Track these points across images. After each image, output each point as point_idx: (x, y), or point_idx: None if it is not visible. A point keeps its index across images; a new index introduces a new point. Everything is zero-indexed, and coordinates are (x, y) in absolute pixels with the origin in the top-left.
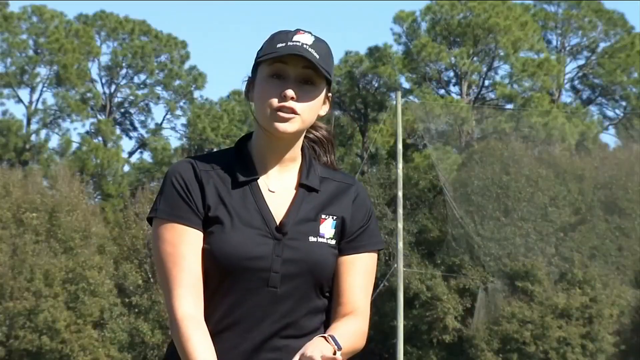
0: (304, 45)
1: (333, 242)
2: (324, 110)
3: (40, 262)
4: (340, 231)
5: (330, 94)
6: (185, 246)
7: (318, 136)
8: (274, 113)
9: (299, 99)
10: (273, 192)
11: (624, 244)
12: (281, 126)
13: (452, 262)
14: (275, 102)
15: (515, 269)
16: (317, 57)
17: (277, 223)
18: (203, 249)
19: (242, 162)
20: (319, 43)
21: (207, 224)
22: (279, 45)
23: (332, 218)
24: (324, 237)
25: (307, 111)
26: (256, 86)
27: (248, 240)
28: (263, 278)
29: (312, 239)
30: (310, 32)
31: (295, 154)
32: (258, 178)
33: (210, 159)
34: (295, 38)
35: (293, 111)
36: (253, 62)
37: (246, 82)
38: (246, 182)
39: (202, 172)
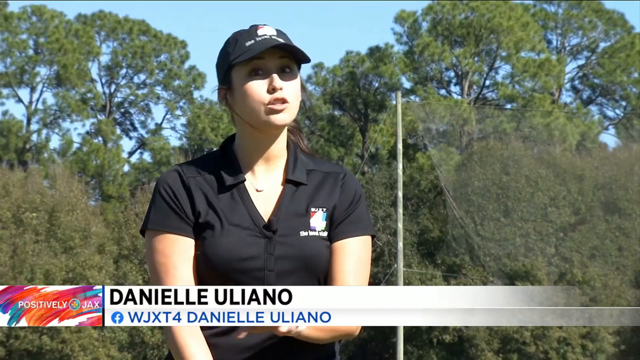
0: (272, 37)
1: (325, 234)
2: (301, 94)
3: (40, 262)
4: (330, 221)
5: (302, 79)
6: (177, 256)
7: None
8: (267, 108)
9: (284, 88)
10: (260, 191)
11: (624, 244)
12: (278, 118)
13: (452, 262)
14: (266, 97)
15: (515, 269)
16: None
17: (265, 221)
18: (197, 255)
19: (227, 164)
20: (281, 32)
21: (199, 230)
22: (248, 43)
23: (322, 210)
24: (315, 230)
25: (295, 97)
26: (237, 90)
27: (239, 242)
28: (258, 277)
29: (303, 233)
30: (267, 25)
31: (280, 150)
32: (245, 180)
33: (196, 165)
34: (261, 32)
35: (284, 101)
36: (220, 70)
37: (219, 92)
38: (233, 185)
39: (189, 178)
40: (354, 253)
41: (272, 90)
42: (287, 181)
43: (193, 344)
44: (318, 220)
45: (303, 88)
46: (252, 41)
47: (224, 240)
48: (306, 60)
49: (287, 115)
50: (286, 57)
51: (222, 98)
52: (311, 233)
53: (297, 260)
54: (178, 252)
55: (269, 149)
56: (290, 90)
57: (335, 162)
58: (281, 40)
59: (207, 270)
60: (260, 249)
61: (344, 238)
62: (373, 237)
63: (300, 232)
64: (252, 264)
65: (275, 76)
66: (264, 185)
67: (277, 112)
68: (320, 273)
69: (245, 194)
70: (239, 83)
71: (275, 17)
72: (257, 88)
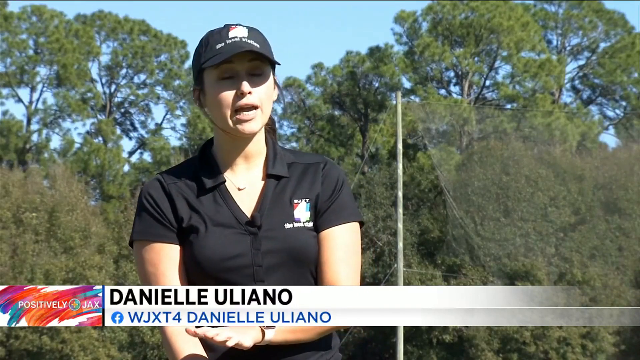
0: (242, 39)
1: (310, 224)
2: (275, 95)
3: (40, 262)
4: (316, 211)
5: (275, 77)
6: (165, 264)
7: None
8: (235, 115)
9: (254, 92)
10: (242, 189)
11: (624, 244)
12: (247, 127)
13: (452, 262)
14: (234, 102)
15: (515, 269)
16: (258, 46)
17: (249, 218)
18: (185, 260)
19: (207, 167)
20: (253, 32)
21: (184, 234)
22: (218, 46)
23: (305, 201)
24: (300, 222)
25: (265, 101)
26: (208, 93)
27: (224, 241)
28: (248, 274)
29: (287, 225)
30: (240, 24)
31: (259, 147)
32: (225, 181)
33: (177, 171)
34: (231, 34)
35: (253, 107)
36: (194, 70)
37: (193, 92)
38: (214, 187)
39: (170, 185)
40: (341, 241)
41: (240, 95)
42: (268, 176)
43: (187, 348)
44: (302, 211)
45: (277, 86)
46: (223, 44)
47: (209, 241)
48: (275, 63)
49: (255, 123)
50: (256, 59)
51: (196, 98)
52: (296, 225)
53: (284, 253)
54: (165, 259)
55: (246, 149)
56: (260, 94)
57: (336, 164)
58: (252, 42)
59: (197, 273)
60: (246, 246)
61: (330, 227)
62: (362, 223)
63: (285, 225)
64: (239, 262)
65: (244, 82)
66: (245, 183)
67: (246, 119)
68: (310, 264)
69: (227, 194)
70: (209, 86)
71: (275, 17)
72: (226, 94)
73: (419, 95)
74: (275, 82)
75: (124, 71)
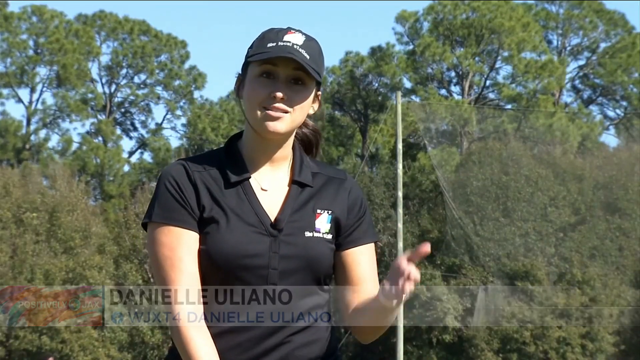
0: (294, 46)
1: (329, 236)
2: (314, 108)
3: (40, 262)
4: (336, 226)
5: (319, 93)
6: (182, 248)
7: (305, 133)
8: (264, 112)
9: (288, 99)
10: (266, 190)
11: (624, 244)
12: (271, 125)
13: (452, 262)
14: (265, 102)
15: (515, 269)
16: (308, 57)
17: (272, 220)
18: (200, 250)
19: (233, 161)
20: (309, 42)
21: (203, 224)
22: (270, 45)
23: (327, 213)
24: (319, 232)
25: (298, 111)
26: (246, 85)
27: (244, 239)
28: (262, 275)
29: (308, 234)
30: (300, 31)
31: (285, 153)
32: (250, 177)
33: (201, 160)
34: (286, 38)
35: (283, 110)
36: (244, 59)
37: (236, 80)
38: (238, 182)
39: (194, 172)
40: (367, 259)
41: (272, 98)
42: (293, 182)
43: (198, 339)
44: (323, 222)
45: (319, 101)
46: (274, 44)
47: (228, 236)
48: (316, 78)
49: (282, 125)
50: (300, 70)
51: (236, 87)
52: (315, 234)
53: (302, 260)
54: (184, 245)
55: (272, 152)
56: (294, 102)
57: (336, 164)
58: (302, 52)
59: (210, 266)
60: (265, 247)
61: (356, 246)
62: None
63: (305, 233)
64: (256, 262)
65: (280, 85)
66: (269, 184)
67: (273, 118)
68: (322, 273)
69: (251, 191)
70: (249, 80)
71: (275, 17)
72: (261, 90)
73: (420, 95)
74: (317, 97)
75: (124, 71)
